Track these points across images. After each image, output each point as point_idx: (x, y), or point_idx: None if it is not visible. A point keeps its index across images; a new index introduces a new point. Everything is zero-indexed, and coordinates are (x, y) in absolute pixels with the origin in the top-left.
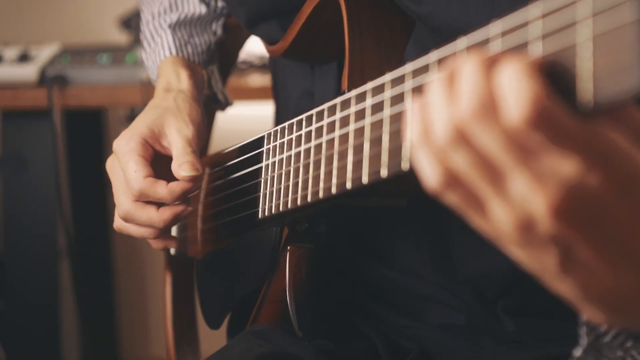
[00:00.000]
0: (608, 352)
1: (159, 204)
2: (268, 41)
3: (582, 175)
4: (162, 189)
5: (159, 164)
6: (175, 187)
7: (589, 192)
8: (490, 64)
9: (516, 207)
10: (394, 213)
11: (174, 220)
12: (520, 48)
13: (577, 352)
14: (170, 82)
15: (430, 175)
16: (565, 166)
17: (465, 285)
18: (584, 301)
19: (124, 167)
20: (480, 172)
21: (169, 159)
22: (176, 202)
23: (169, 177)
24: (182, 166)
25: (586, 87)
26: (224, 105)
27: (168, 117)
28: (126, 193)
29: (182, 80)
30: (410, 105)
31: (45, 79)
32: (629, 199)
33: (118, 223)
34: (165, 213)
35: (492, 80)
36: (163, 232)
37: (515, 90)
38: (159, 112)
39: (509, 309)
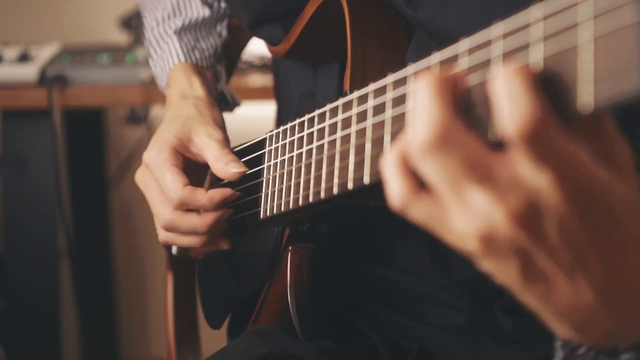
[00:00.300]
0: None
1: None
2: (271, 42)
3: (547, 186)
4: (203, 196)
5: (188, 171)
6: (215, 194)
7: (551, 202)
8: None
9: (478, 217)
10: (395, 213)
11: (217, 223)
12: (522, 50)
13: None
14: (184, 89)
15: (392, 195)
16: (528, 177)
17: (464, 285)
18: (548, 315)
19: (160, 178)
20: (449, 180)
21: (197, 166)
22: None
23: (200, 184)
24: (230, 164)
25: (587, 89)
26: (232, 106)
27: (194, 124)
28: (165, 203)
29: (196, 88)
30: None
31: (45, 79)
32: (586, 214)
33: (162, 236)
34: (208, 217)
35: (448, 106)
36: (210, 237)
37: (420, 113)
38: (182, 121)
39: (507, 309)
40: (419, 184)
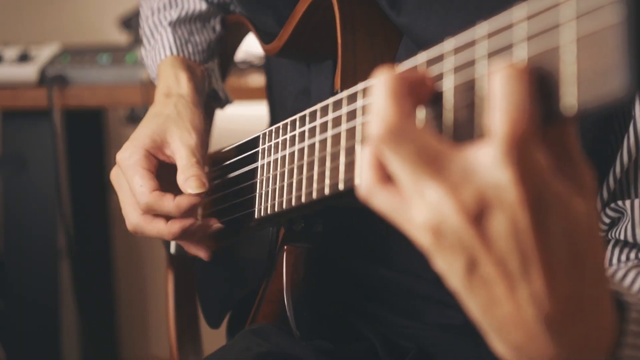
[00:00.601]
0: None
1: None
2: (262, 38)
3: (506, 184)
4: (169, 203)
5: (163, 173)
6: (182, 201)
7: (506, 201)
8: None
9: (430, 208)
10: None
11: (183, 233)
12: (506, 49)
13: None
14: (170, 86)
15: (359, 186)
16: (487, 171)
17: None
18: (488, 328)
19: (130, 181)
20: (415, 165)
21: (173, 167)
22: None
23: (173, 187)
24: (189, 181)
25: (570, 91)
26: (223, 102)
27: (170, 126)
28: (133, 205)
29: (182, 84)
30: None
31: (45, 79)
32: (540, 222)
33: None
34: (174, 226)
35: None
36: (186, 243)
37: (374, 109)
38: (160, 121)
39: None
40: (385, 175)
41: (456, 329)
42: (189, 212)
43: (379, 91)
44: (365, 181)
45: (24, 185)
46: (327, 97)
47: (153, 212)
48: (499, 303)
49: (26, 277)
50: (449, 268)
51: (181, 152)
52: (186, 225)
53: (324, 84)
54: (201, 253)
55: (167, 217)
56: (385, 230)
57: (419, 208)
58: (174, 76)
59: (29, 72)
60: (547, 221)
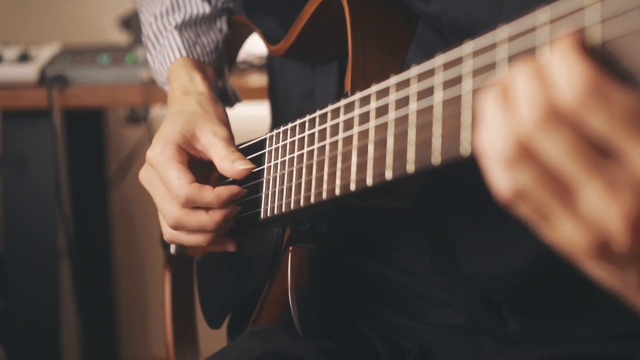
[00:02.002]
0: None
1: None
2: (267, 36)
3: None
4: (209, 194)
5: (192, 169)
6: (222, 191)
7: None
8: (542, 70)
9: (589, 224)
10: (395, 213)
11: (225, 221)
12: (529, 53)
13: None
14: (186, 85)
15: (498, 186)
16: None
17: (472, 285)
18: None
19: (165, 176)
20: (547, 187)
21: (202, 163)
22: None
23: (205, 181)
24: (237, 162)
25: None
26: (233, 101)
27: (198, 121)
28: (172, 201)
29: (197, 83)
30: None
31: (45, 79)
32: None
33: (168, 235)
34: (216, 214)
35: (549, 84)
36: (217, 236)
37: (565, 72)
38: (187, 117)
39: (514, 310)
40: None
41: (457, 329)
42: (228, 202)
43: (565, 51)
44: (506, 187)
45: (24, 185)
46: (332, 99)
47: (193, 204)
48: None
49: (26, 277)
50: (620, 277)
51: (217, 144)
52: (228, 212)
53: (330, 86)
54: (229, 245)
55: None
56: (389, 231)
57: (573, 223)
58: (188, 76)
59: (29, 72)
60: None
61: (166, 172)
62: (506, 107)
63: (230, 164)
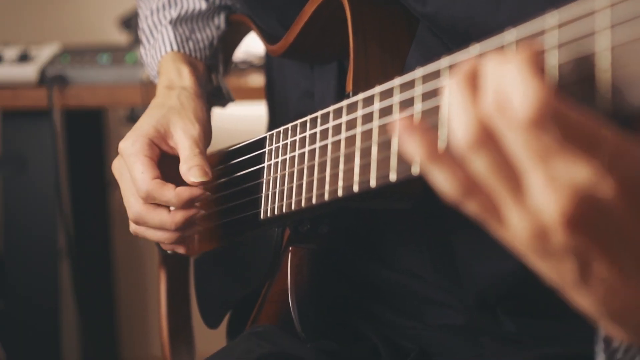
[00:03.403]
0: None
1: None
2: (267, 38)
3: (594, 181)
4: (170, 193)
5: (166, 164)
6: (183, 192)
7: (601, 201)
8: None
9: (531, 214)
10: (395, 214)
11: (187, 222)
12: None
13: None
14: (172, 79)
15: (447, 186)
16: (577, 170)
17: (471, 286)
18: (604, 317)
19: (131, 169)
20: (500, 174)
21: (176, 159)
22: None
23: (177, 177)
24: (192, 170)
25: (605, 98)
26: (226, 101)
27: (173, 116)
28: (135, 195)
29: (184, 77)
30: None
31: (45, 79)
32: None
33: (132, 227)
34: (177, 215)
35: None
36: (180, 236)
37: (519, 90)
38: (163, 112)
39: (510, 310)
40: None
41: (457, 330)
42: (188, 204)
43: (518, 68)
44: (454, 185)
45: (24, 185)
46: (332, 100)
47: (153, 201)
48: (618, 296)
49: (26, 277)
50: (558, 271)
51: (184, 142)
52: (190, 214)
53: (329, 86)
54: (181, 249)
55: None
56: (389, 232)
57: (518, 213)
58: (175, 70)
59: (29, 72)
60: None
61: (132, 165)
62: (471, 92)
63: (186, 170)
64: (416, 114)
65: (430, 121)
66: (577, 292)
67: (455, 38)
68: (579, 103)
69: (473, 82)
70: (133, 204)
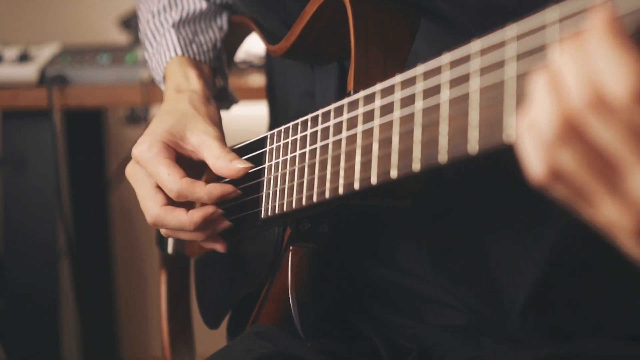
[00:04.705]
0: None
1: (187, 207)
2: (268, 38)
3: None
4: (201, 189)
5: (181, 166)
6: (215, 189)
7: None
8: (591, 53)
9: (635, 206)
10: (395, 213)
11: (205, 222)
12: (538, 51)
13: None
14: (180, 82)
15: (535, 168)
16: None
17: (471, 287)
18: None
19: (154, 172)
20: (592, 170)
21: (189, 163)
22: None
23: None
24: (234, 162)
25: None
26: (230, 102)
27: (189, 121)
28: (154, 198)
29: (192, 81)
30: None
31: (45, 79)
32: None
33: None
34: (195, 215)
35: (598, 68)
36: (205, 234)
37: (613, 67)
38: (177, 117)
39: (533, 317)
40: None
41: (457, 330)
42: (220, 200)
43: (605, 43)
44: (542, 168)
45: (24, 185)
46: (332, 100)
47: (184, 199)
48: None
49: (26, 277)
50: None
51: (210, 143)
52: (208, 213)
53: (330, 86)
54: (218, 245)
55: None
56: (389, 231)
57: (618, 204)
58: (182, 74)
59: (29, 72)
60: None
61: (155, 169)
62: (555, 87)
63: (228, 163)
64: (417, 111)
65: (432, 118)
66: None
67: (485, 23)
68: None
69: (556, 78)
70: (151, 208)
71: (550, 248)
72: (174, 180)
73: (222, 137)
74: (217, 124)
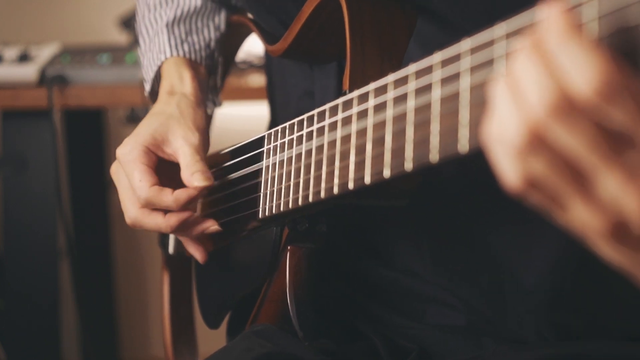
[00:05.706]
0: None
1: (166, 210)
2: (266, 39)
3: None
4: (168, 197)
5: (162, 170)
6: (181, 195)
7: None
8: (550, 57)
9: (606, 208)
10: (394, 213)
11: (181, 225)
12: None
13: None
14: (174, 84)
15: (508, 177)
16: None
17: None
18: None
19: (129, 176)
20: (563, 176)
21: (171, 165)
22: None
23: (172, 183)
24: (195, 176)
25: None
26: (213, 104)
27: (172, 125)
28: (132, 199)
29: (186, 83)
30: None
31: (45, 79)
32: None
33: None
34: (172, 219)
35: (559, 73)
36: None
37: (577, 63)
38: (162, 119)
39: (534, 317)
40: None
41: (458, 330)
42: (187, 206)
43: (565, 40)
44: (516, 177)
45: (24, 185)
46: (332, 99)
47: (152, 206)
48: None
49: (26, 277)
50: (634, 259)
51: (185, 150)
52: (184, 217)
53: (329, 86)
54: (197, 254)
55: (166, 212)
56: (388, 230)
57: (589, 208)
58: (177, 75)
59: (29, 72)
60: None
61: (130, 172)
62: (516, 96)
63: (189, 176)
64: (409, 110)
65: (424, 117)
66: None
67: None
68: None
69: (517, 85)
70: (129, 209)
71: (551, 248)
72: (143, 188)
73: (200, 144)
74: (201, 129)
